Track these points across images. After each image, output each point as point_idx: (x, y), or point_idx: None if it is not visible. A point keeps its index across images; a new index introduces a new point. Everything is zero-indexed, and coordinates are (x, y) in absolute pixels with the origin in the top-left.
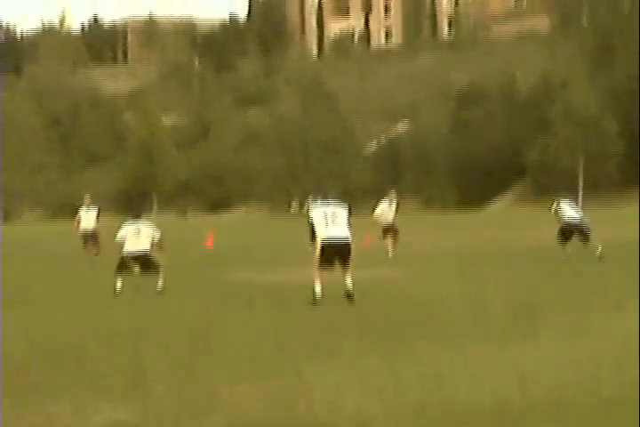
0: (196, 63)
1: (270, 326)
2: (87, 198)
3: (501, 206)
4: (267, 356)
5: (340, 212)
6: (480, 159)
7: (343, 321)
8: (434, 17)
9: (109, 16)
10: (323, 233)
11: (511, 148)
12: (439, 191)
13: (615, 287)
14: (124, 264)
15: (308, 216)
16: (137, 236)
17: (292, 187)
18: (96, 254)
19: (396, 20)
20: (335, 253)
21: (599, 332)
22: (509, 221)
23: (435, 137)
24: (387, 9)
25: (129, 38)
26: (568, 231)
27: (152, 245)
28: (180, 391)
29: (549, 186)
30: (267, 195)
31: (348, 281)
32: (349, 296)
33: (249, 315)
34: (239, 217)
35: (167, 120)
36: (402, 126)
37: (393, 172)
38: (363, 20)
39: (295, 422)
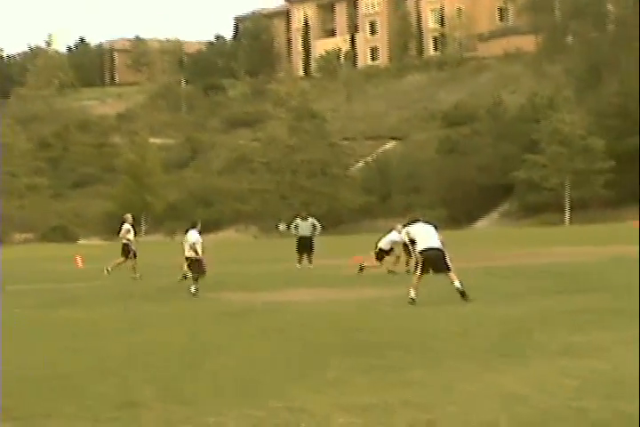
0: (184, 85)
1: (260, 347)
2: (129, 215)
3: (488, 224)
4: (255, 378)
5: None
6: (468, 178)
7: (330, 341)
8: (420, 36)
9: (96, 38)
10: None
11: (498, 166)
12: (427, 210)
13: (602, 304)
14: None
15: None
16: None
17: (281, 207)
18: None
19: (382, 40)
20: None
21: (585, 351)
22: (494, 238)
23: (422, 156)
24: (373, 29)
25: (116, 60)
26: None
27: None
28: (167, 415)
29: (536, 204)
30: (255, 215)
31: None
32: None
33: (238, 336)
34: (228, 238)
35: (155, 142)
36: (389, 146)
37: (381, 191)
38: (349, 41)
39: None
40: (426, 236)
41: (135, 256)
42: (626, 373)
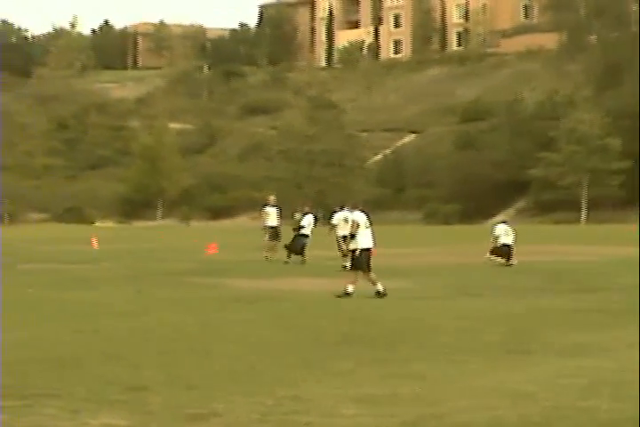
0: (205, 70)
1: (267, 335)
2: (273, 197)
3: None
4: (263, 366)
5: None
6: (483, 174)
7: (338, 331)
8: (443, 31)
9: (120, 21)
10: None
11: (515, 163)
12: (441, 205)
13: (612, 305)
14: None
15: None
16: (345, 222)
17: (295, 196)
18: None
19: (405, 33)
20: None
21: (592, 351)
22: None
23: (438, 150)
24: (397, 22)
25: (139, 44)
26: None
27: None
28: (174, 400)
29: (551, 202)
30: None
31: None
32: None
33: (246, 323)
34: (242, 224)
35: (173, 127)
36: (407, 139)
37: (396, 184)
38: (372, 33)
39: None
40: (366, 233)
41: (277, 238)
42: (633, 374)
